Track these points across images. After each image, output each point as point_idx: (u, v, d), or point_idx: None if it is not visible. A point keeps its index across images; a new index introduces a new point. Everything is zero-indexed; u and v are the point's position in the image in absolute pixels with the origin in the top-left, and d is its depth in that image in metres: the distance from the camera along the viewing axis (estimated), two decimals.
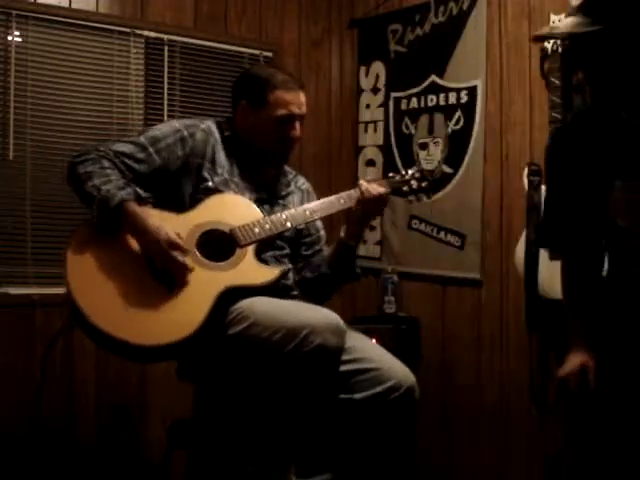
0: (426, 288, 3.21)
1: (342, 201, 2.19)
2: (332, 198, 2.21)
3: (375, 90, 3.50)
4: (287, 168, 2.37)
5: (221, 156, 2.21)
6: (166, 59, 3.19)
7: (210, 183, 2.16)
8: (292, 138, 2.22)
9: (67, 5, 2.97)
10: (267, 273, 2.12)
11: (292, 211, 2.18)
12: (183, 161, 2.15)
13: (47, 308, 2.83)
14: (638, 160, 1.49)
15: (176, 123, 2.24)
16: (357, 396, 2.02)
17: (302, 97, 2.24)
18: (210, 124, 2.25)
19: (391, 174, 2.33)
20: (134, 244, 2.05)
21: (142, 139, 2.15)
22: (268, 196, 2.27)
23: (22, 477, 2.75)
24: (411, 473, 2.16)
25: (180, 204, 2.15)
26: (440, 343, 3.13)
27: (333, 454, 2.06)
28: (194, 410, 2.30)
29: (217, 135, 2.23)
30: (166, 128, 2.20)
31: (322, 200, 2.23)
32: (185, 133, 2.18)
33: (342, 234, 2.24)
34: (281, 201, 2.29)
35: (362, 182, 2.21)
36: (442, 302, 3.14)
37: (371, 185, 2.19)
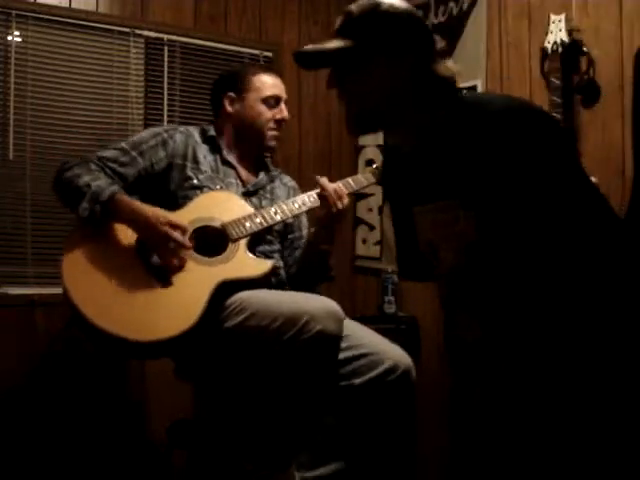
0: (426, 288, 3.21)
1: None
2: (319, 190, 2.24)
3: None
4: (271, 166, 2.44)
5: (203, 155, 2.27)
6: (166, 59, 3.20)
7: (196, 181, 2.22)
8: (280, 119, 2.33)
9: (67, 5, 2.97)
10: (260, 265, 2.15)
11: (281, 204, 2.23)
12: (167, 162, 2.23)
13: (47, 308, 2.83)
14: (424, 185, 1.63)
15: (156, 128, 2.34)
16: (356, 381, 2.04)
17: (282, 83, 2.37)
18: (189, 128, 2.35)
19: (375, 165, 2.43)
20: (127, 238, 2.08)
21: (124, 144, 2.23)
22: (255, 190, 2.31)
23: (20, 478, 2.75)
24: (412, 457, 2.16)
25: (168, 204, 2.18)
26: (440, 343, 3.13)
27: (336, 445, 2.07)
28: (194, 410, 2.30)
29: (198, 137, 2.32)
30: (146, 133, 2.28)
31: (311, 192, 2.27)
32: (165, 135, 2.26)
33: (311, 238, 2.28)
34: (268, 194, 2.34)
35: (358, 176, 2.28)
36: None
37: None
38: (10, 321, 2.80)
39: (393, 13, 1.53)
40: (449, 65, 1.57)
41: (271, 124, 2.32)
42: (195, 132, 2.32)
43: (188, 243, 2.06)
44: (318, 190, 2.23)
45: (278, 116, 2.32)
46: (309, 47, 1.57)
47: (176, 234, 2.03)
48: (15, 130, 2.87)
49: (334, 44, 1.54)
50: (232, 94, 2.33)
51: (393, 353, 2.09)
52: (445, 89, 1.57)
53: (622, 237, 1.47)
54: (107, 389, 2.96)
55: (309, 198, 2.25)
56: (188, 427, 2.26)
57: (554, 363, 1.42)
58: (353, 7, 1.55)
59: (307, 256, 2.30)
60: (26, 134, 2.89)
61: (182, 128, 2.32)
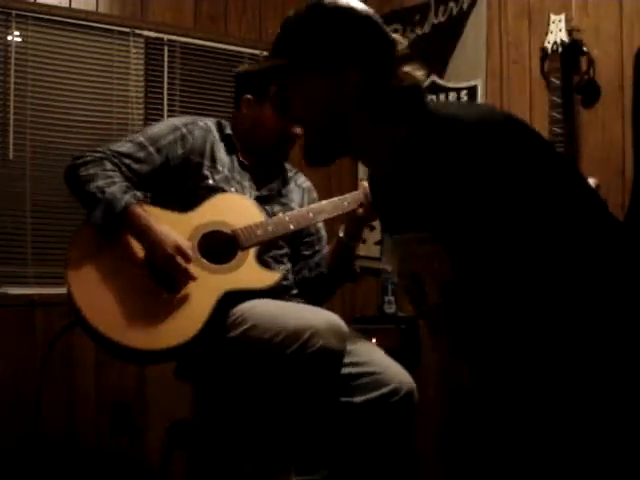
0: None
1: (346, 203, 2.16)
2: (336, 200, 2.18)
3: None
4: (287, 166, 2.36)
5: (221, 153, 2.21)
6: (166, 59, 3.19)
7: (211, 181, 2.16)
8: (293, 135, 2.21)
9: (67, 5, 2.97)
10: (268, 277, 2.12)
11: (295, 212, 2.17)
12: (183, 159, 2.15)
13: (47, 308, 2.82)
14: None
15: (175, 121, 2.24)
16: (357, 399, 2.01)
17: None
18: (209, 122, 2.26)
19: None
20: (136, 247, 2.05)
21: (141, 138, 2.14)
22: (269, 194, 2.27)
23: (22, 477, 2.74)
24: (410, 476, 2.16)
25: (181, 203, 2.14)
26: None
27: (331, 454, 2.06)
28: (194, 410, 2.30)
29: (216, 133, 2.23)
30: (165, 126, 2.20)
31: (326, 202, 2.21)
32: (184, 130, 2.18)
33: (341, 234, 2.23)
34: (282, 199, 2.29)
35: (365, 183, 2.21)
36: None
37: None
38: (10, 321, 2.80)
39: (329, 18, 1.30)
40: (412, 71, 1.32)
41: (283, 138, 2.22)
42: (213, 127, 2.24)
43: (192, 273, 2.01)
44: (336, 198, 2.17)
45: (293, 131, 2.19)
46: (245, 67, 1.39)
47: (180, 260, 1.99)
48: (15, 130, 2.87)
49: (267, 63, 1.36)
50: (250, 97, 2.22)
51: (397, 374, 2.05)
52: (407, 102, 1.32)
53: (624, 269, 1.24)
54: (106, 389, 2.96)
55: (325, 207, 2.18)
56: (188, 427, 2.26)
57: (552, 410, 1.27)
58: (290, 15, 1.35)
59: (335, 253, 2.24)
60: (26, 134, 2.89)
61: (201, 123, 2.22)
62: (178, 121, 2.23)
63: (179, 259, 1.99)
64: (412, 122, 1.30)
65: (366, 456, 2.04)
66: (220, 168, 2.18)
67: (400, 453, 2.06)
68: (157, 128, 2.20)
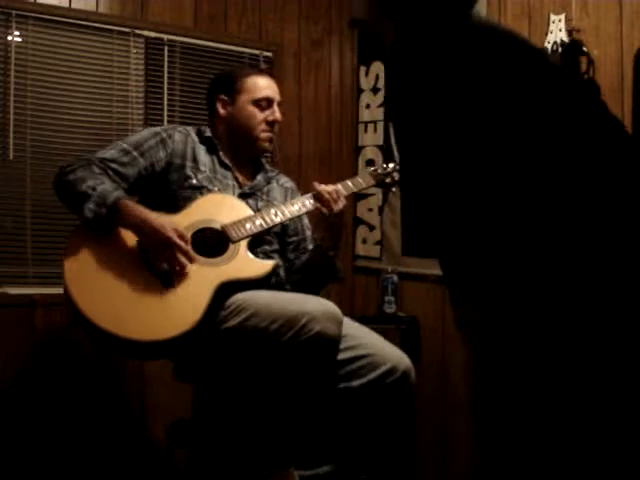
0: (426, 288, 3.21)
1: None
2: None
3: (375, 90, 3.50)
4: (268, 167, 2.46)
5: (202, 155, 2.29)
6: (166, 59, 3.19)
7: (194, 180, 2.24)
8: (272, 121, 2.33)
9: (67, 5, 2.97)
10: (261, 266, 2.16)
11: (281, 206, 2.24)
12: (166, 161, 2.25)
13: (47, 308, 2.82)
14: None
15: (154, 128, 2.35)
16: (354, 383, 2.04)
17: (275, 85, 2.37)
18: (188, 128, 2.36)
19: (373, 167, 2.46)
20: (130, 240, 2.09)
21: (124, 145, 2.24)
22: (252, 191, 2.32)
23: (21, 477, 2.74)
24: (411, 461, 2.17)
25: (168, 204, 2.20)
26: (440, 343, 3.13)
27: (334, 444, 2.07)
28: (194, 409, 2.30)
29: (195, 137, 2.33)
30: (145, 133, 2.30)
31: (310, 194, 2.28)
32: (164, 135, 2.27)
33: (318, 241, 2.30)
34: (265, 196, 2.37)
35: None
36: (442, 302, 3.14)
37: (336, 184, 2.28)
38: (10, 321, 2.80)
39: None
40: None
41: (263, 126, 2.32)
42: (192, 132, 2.34)
43: (192, 252, 2.06)
44: (315, 192, 2.25)
45: (270, 118, 2.32)
46: None
47: (180, 241, 2.03)
48: (15, 130, 2.87)
49: None
50: (224, 96, 2.35)
51: (392, 354, 2.09)
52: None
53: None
54: (106, 389, 2.96)
55: (309, 200, 2.26)
56: (188, 427, 2.26)
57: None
58: None
59: (314, 261, 2.31)
60: (26, 134, 2.89)
61: (180, 127, 2.34)
62: (158, 127, 2.35)
63: (177, 240, 2.04)
64: (410, 19, 1.27)
65: (369, 440, 2.05)
66: (202, 168, 2.28)
67: (400, 437, 2.08)
68: (138, 135, 2.30)
